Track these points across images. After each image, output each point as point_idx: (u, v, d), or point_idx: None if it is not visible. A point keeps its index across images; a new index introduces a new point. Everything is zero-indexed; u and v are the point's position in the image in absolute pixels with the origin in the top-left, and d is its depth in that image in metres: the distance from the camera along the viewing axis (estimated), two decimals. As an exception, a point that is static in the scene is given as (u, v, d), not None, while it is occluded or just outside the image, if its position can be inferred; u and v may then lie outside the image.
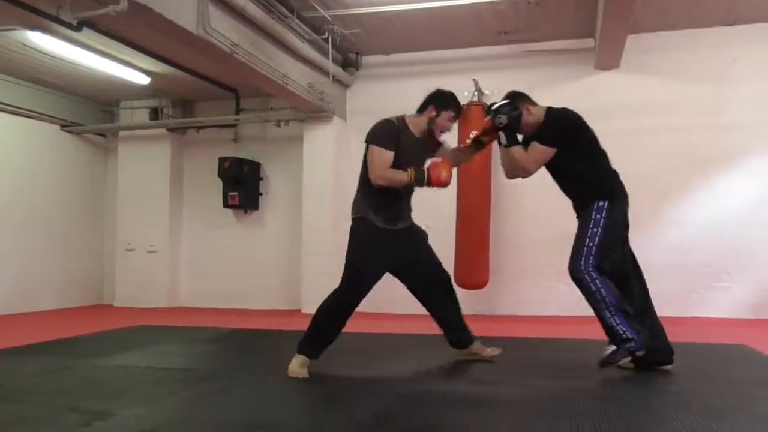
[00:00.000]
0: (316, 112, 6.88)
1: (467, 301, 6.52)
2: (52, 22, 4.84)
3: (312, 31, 6.06)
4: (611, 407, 2.77)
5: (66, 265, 7.93)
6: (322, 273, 6.93)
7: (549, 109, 3.61)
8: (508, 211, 6.60)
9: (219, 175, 7.60)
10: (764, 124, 6.15)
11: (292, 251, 7.49)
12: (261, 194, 7.91)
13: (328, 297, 3.57)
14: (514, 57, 6.74)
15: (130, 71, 6.78)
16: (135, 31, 5.49)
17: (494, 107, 3.57)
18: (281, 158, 7.81)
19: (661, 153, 6.34)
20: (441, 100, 3.61)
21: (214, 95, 7.72)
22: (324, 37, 6.15)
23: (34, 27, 5.28)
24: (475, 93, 6.34)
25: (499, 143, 3.60)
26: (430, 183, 3.38)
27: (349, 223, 3.61)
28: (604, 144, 6.38)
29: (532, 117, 3.54)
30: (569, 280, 3.49)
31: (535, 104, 3.64)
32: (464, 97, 6.25)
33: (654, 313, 3.60)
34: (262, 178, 7.92)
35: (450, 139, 6.05)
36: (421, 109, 3.64)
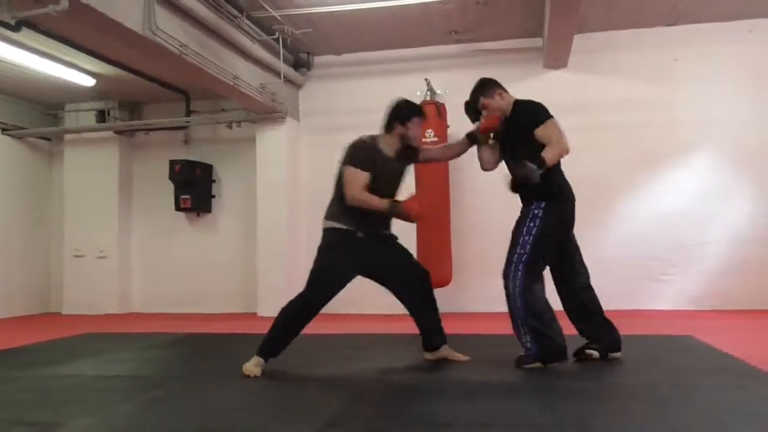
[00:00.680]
0: (268, 113, 6.82)
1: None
2: (-12, 22, 4.67)
3: (262, 31, 6.00)
4: (564, 398, 2.83)
5: (8, 273, 7.64)
6: (278, 275, 6.89)
7: (518, 100, 3.83)
8: (468, 208, 6.65)
9: (170, 178, 7.46)
10: (706, 121, 6.37)
11: (247, 254, 7.40)
12: (213, 197, 7.79)
13: (293, 300, 3.60)
14: (464, 56, 6.82)
15: (74, 73, 6.59)
16: (78, 31, 5.30)
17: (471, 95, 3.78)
18: (234, 160, 7.71)
19: (610, 150, 6.51)
20: (402, 114, 3.69)
21: (163, 97, 7.57)
22: (274, 37, 6.10)
23: (-31, 27, 5.08)
24: (428, 92, 6.38)
25: (480, 143, 3.83)
26: (400, 217, 3.51)
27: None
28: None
29: (503, 101, 3.74)
30: None
31: (506, 90, 3.84)
32: (417, 96, 6.29)
33: (600, 307, 3.71)
34: (214, 181, 7.80)
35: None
36: (388, 129, 3.71)
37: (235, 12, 5.57)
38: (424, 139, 6.02)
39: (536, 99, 6.71)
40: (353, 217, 3.52)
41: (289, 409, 2.80)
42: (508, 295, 3.51)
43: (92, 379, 3.61)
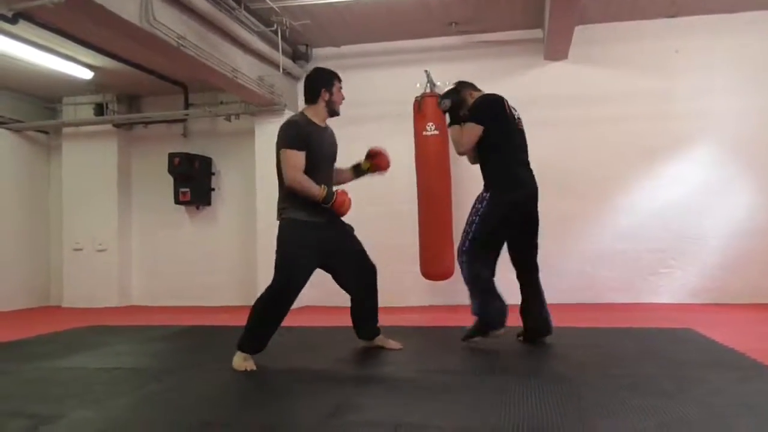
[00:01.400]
0: (267, 106, 6.80)
1: (427, 291, 6.62)
2: (-15, 14, 4.64)
3: (260, 23, 5.97)
4: (563, 390, 2.83)
5: (8, 267, 7.65)
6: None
7: (481, 95, 4.09)
8: (470, 203, 6.61)
9: (169, 171, 7.44)
10: (706, 113, 6.35)
11: (246, 247, 7.39)
12: (213, 190, 7.78)
13: (263, 293, 3.62)
14: (464, 48, 6.79)
15: (71, 65, 6.57)
16: (75, 23, 5.28)
17: (441, 94, 4.18)
18: (233, 153, 7.70)
19: (610, 142, 6.49)
20: (324, 80, 3.78)
21: (161, 90, 7.55)
22: (273, 29, 6.08)
23: (-34, 19, 5.06)
24: (428, 84, 6.35)
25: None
26: (332, 207, 3.59)
27: None
28: (554, 133, 6.51)
29: (473, 99, 4.04)
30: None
31: (478, 91, 4.15)
32: (416, 88, 6.27)
33: (542, 294, 4.08)
34: (213, 174, 7.79)
35: (404, 133, 6.09)
36: (313, 99, 3.77)
37: (233, 3, 5.55)
38: (425, 132, 6.05)
39: (537, 91, 6.75)
40: (299, 202, 3.59)
41: (289, 401, 2.80)
42: (462, 270, 3.94)
43: (92, 372, 3.60)
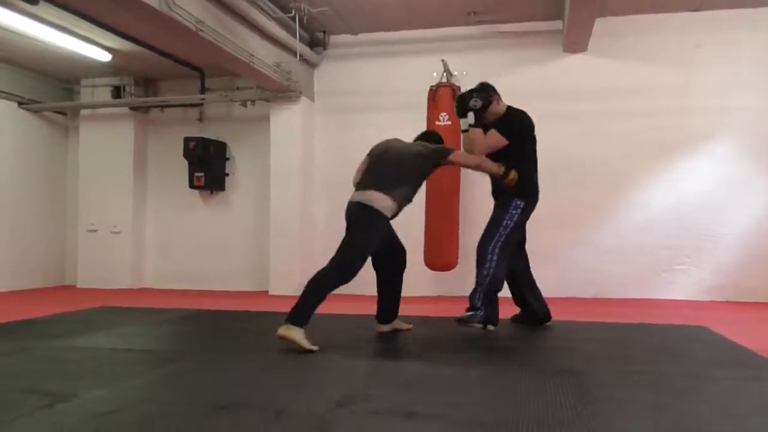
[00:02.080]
0: (282, 92, 6.79)
1: (431, 282, 6.62)
2: (7, -5, 4.68)
3: (278, 9, 5.96)
4: (575, 385, 2.82)
5: (25, 246, 7.74)
6: (290, 255, 6.91)
7: (510, 107, 4.25)
8: (477, 192, 6.61)
9: (184, 155, 7.47)
10: (727, 109, 6.27)
11: (259, 232, 7.42)
12: (227, 175, 7.80)
13: (326, 272, 3.73)
14: (483, 38, 6.74)
15: (90, 48, 6.60)
16: (95, 5, 5.31)
17: (466, 93, 4.19)
18: (247, 138, 7.71)
19: (628, 136, 6.44)
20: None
21: (178, 74, 7.56)
22: (291, 15, 6.06)
23: (-12, -1, 5.10)
24: (444, 74, 6.32)
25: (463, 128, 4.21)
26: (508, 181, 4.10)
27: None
28: (571, 126, 6.54)
29: (498, 107, 4.20)
30: (531, 261, 4.39)
31: (500, 98, 4.27)
32: (433, 78, 6.25)
33: (534, 282, 4.46)
34: (228, 159, 7.81)
35: (417, 122, 6.07)
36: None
37: (252, -11, 5.54)
38: (438, 122, 6.03)
39: (555, 83, 6.71)
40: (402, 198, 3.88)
41: (300, 387, 2.81)
42: (483, 268, 4.09)
43: (106, 352, 3.64)
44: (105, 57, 6.86)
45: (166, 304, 6.04)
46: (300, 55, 6.47)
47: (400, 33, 6.95)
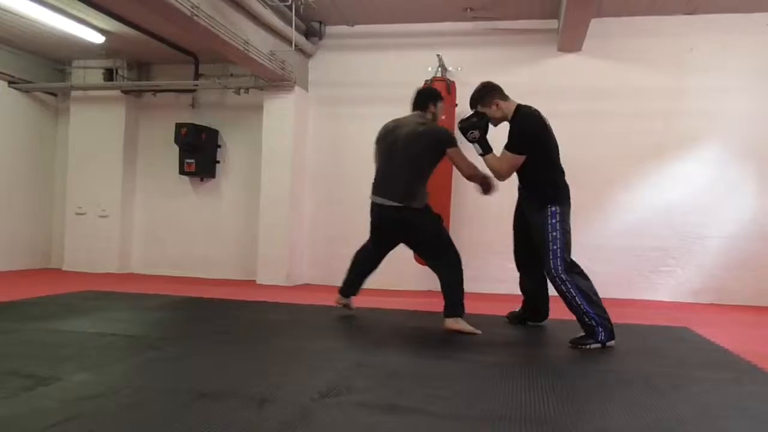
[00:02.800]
0: (277, 81, 6.76)
1: (424, 277, 6.62)
2: (0, -28, 4.62)
3: (275, -4, 5.93)
4: (557, 383, 2.84)
5: (11, 227, 7.69)
6: (279, 244, 6.90)
7: (518, 108, 3.89)
8: (468, 191, 6.62)
9: (176, 141, 7.43)
10: (717, 113, 6.32)
11: (249, 221, 7.41)
12: (218, 162, 7.77)
13: (447, 266, 4.09)
14: (478, 34, 6.74)
15: (83, 29, 6.53)
16: (90, -14, 5.27)
17: (462, 124, 3.94)
18: (240, 126, 7.68)
19: (618, 137, 6.47)
20: (437, 98, 4.48)
21: (172, 59, 7.51)
22: (287, 3, 6.03)
23: (-20, -24, 5.03)
24: (439, 68, 6.32)
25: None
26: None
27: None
28: (563, 125, 6.51)
29: (499, 112, 3.91)
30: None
31: (505, 98, 3.95)
32: (428, 72, 6.25)
33: (545, 283, 4.13)
34: (219, 146, 7.78)
35: (403, 113, 6.07)
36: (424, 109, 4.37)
37: (249, -24, 5.50)
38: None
39: (548, 82, 6.70)
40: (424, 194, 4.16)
41: (284, 376, 2.82)
42: (561, 292, 3.77)
43: (90, 336, 3.63)
44: (98, 39, 6.80)
45: (153, 289, 6.02)
46: (295, 45, 6.45)
47: (396, 26, 6.94)
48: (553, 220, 3.78)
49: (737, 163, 6.30)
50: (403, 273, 6.51)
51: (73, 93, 8.00)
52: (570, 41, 6.39)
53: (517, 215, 4.26)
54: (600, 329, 3.66)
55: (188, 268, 7.66)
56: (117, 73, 7.79)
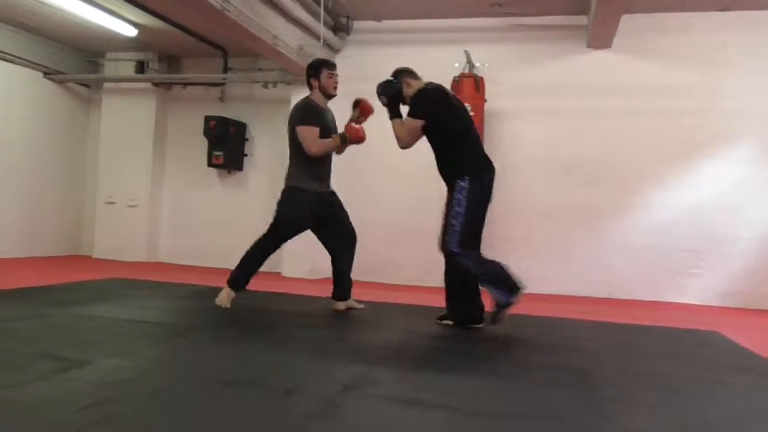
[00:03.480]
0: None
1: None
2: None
3: (304, -8, 5.97)
4: (581, 383, 2.83)
5: (44, 214, 7.87)
6: (303, 237, 6.92)
7: (423, 86, 4.06)
8: (510, 188, 6.58)
9: (204, 133, 7.53)
10: (750, 111, 6.20)
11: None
12: (246, 155, 7.85)
13: (257, 240, 4.44)
14: (506, 30, 6.70)
15: (117, 22, 6.65)
16: (124, -21, 5.37)
17: (376, 90, 4.16)
18: (267, 120, 7.74)
19: (647, 135, 6.39)
20: (312, 71, 4.37)
21: (201, 52, 7.60)
22: (316, -1, 6.07)
23: (19, -31, 5.15)
24: (467, 64, 6.30)
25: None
26: (351, 141, 4.25)
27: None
28: (590, 123, 6.41)
29: (410, 89, 4.07)
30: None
31: (417, 78, 4.15)
32: (455, 68, 6.23)
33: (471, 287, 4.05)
34: (247, 139, 7.86)
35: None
36: (309, 87, 4.40)
37: (279, -30, 5.55)
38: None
39: (577, 78, 6.62)
40: (306, 175, 4.24)
41: (309, 369, 2.85)
42: (460, 267, 3.87)
43: (120, 322, 3.71)
44: (131, 32, 6.91)
45: (179, 279, 6.12)
46: (323, 40, 6.48)
47: (424, 21, 6.93)
48: (459, 195, 3.80)
49: (769, 163, 6.18)
50: (428, 269, 6.52)
51: (105, 85, 8.15)
52: (599, 37, 6.32)
53: None
54: (503, 293, 3.72)
55: (214, 258, 7.75)
56: (148, 65, 7.92)
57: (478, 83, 6.12)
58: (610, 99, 6.46)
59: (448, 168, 3.95)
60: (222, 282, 4.43)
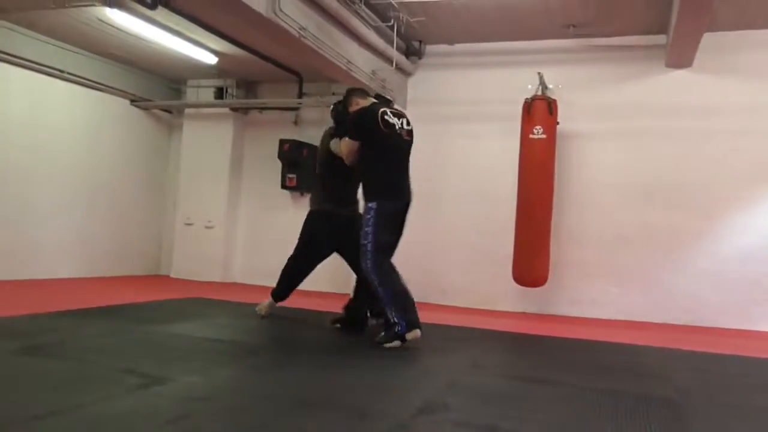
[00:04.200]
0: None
1: (517, 297, 6.50)
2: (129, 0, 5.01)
3: (378, 17, 6.06)
4: (669, 415, 2.71)
5: (127, 235, 8.23)
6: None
7: (369, 105, 4.15)
8: (569, 211, 6.46)
9: (279, 156, 7.73)
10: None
11: (345, 235, 7.54)
12: (318, 178, 7.98)
13: (287, 260, 4.90)
14: (580, 51, 6.59)
15: (199, 50, 6.95)
16: (207, 11, 5.61)
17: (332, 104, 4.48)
18: (339, 143, 7.86)
19: (731, 156, 6.10)
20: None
21: (277, 78, 7.84)
22: (389, 24, 6.15)
23: (111, 4, 5.47)
24: (540, 87, 6.23)
25: None
26: None
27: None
28: (672, 144, 6.21)
29: (358, 108, 4.16)
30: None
31: (365, 98, 4.25)
32: (528, 90, 6.17)
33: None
34: (319, 162, 7.99)
35: (510, 134, 6.03)
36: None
37: (354, -2, 5.67)
38: (532, 135, 5.98)
39: (655, 99, 6.43)
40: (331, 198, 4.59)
41: (382, 391, 2.85)
42: (372, 286, 3.96)
43: (197, 340, 3.82)
44: (211, 60, 7.21)
45: (254, 299, 6.24)
46: (396, 64, 6.55)
47: (496, 44, 6.90)
48: (368, 216, 3.93)
49: None
50: (499, 293, 6.43)
51: (187, 110, 8.52)
52: (679, 56, 6.11)
53: None
54: (400, 324, 3.77)
55: (286, 279, 7.89)
56: (227, 91, 8.22)
57: (550, 105, 6.03)
58: (690, 119, 6.23)
59: (363, 188, 4.15)
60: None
